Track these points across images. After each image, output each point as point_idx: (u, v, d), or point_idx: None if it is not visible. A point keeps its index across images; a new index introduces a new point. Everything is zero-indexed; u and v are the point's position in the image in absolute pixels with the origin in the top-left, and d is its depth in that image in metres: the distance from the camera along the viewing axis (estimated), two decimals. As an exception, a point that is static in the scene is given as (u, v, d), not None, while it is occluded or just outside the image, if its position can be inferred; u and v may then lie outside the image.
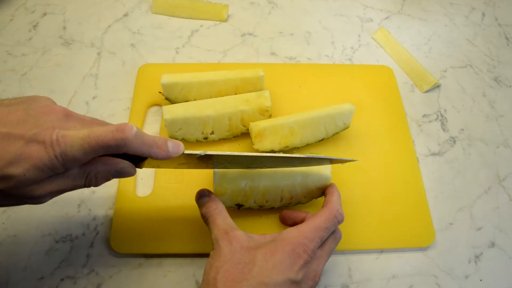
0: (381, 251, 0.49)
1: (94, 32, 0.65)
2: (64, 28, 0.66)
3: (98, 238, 0.48)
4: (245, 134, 0.54)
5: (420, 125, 0.59)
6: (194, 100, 0.54)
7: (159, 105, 0.58)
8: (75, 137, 0.30)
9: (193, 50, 0.64)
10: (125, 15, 0.68)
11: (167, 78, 0.53)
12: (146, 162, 0.37)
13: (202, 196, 0.43)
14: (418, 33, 0.70)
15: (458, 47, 0.68)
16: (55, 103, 0.33)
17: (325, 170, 0.46)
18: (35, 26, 0.65)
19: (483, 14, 0.73)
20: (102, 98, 0.58)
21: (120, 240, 0.47)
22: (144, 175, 0.52)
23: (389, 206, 0.51)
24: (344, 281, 0.47)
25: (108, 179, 0.35)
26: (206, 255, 0.48)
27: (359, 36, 0.68)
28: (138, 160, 0.36)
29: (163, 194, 0.50)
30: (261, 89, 0.56)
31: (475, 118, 0.61)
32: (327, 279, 0.47)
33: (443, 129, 0.59)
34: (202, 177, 0.51)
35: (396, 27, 0.70)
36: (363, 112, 0.58)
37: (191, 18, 0.68)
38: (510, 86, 0.65)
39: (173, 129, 0.51)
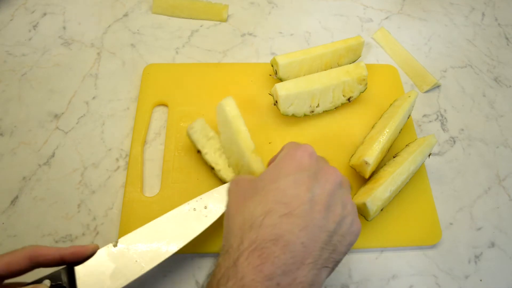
0: (382, 251, 0.49)
1: (94, 32, 0.65)
2: (64, 28, 0.66)
3: (98, 238, 0.48)
4: (344, 105, 0.57)
5: (420, 125, 0.59)
6: (304, 75, 0.57)
7: (164, 105, 0.58)
8: None
9: (193, 50, 0.64)
10: (125, 15, 0.68)
11: (282, 59, 0.56)
12: None
13: None
14: (418, 33, 0.70)
15: (458, 47, 0.68)
16: None
17: None
18: (35, 26, 0.65)
19: (483, 14, 0.73)
20: (102, 98, 0.58)
21: None
22: (151, 174, 0.52)
23: (395, 204, 0.51)
24: (344, 281, 0.47)
25: None
26: (206, 255, 0.48)
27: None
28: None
29: (170, 194, 0.50)
30: (359, 56, 0.62)
31: (475, 118, 0.61)
32: (327, 279, 0.47)
33: (443, 129, 0.59)
34: (209, 176, 0.51)
35: (396, 27, 0.70)
36: (369, 111, 0.58)
37: (191, 18, 0.68)
38: (510, 86, 0.65)
39: (286, 105, 0.53)
